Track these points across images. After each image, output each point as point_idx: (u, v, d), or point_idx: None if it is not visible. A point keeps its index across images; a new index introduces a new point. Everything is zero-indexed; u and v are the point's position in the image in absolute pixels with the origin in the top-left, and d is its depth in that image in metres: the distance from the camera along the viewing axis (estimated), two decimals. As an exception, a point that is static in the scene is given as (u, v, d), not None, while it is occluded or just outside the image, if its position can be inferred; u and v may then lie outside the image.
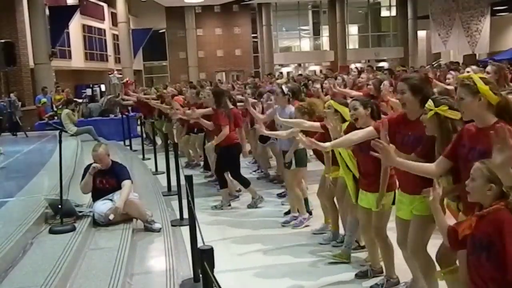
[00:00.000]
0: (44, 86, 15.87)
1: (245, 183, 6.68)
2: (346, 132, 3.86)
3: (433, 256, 3.30)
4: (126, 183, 5.19)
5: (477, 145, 2.67)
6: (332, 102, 4.50)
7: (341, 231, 4.97)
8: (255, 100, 7.94)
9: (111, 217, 4.94)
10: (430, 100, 3.07)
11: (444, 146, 2.90)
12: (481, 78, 2.72)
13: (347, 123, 4.14)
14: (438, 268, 3.23)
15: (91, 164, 5.35)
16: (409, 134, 3.31)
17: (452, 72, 7.01)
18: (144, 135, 12.28)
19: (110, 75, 19.20)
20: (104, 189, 5.24)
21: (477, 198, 2.40)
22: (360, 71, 10.79)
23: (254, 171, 8.71)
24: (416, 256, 3.38)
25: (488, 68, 5.45)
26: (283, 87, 5.96)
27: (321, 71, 27.30)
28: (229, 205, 6.66)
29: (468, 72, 5.78)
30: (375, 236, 3.91)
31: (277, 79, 13.10)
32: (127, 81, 18.16)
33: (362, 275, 4.19)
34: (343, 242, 4.71)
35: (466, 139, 2.75)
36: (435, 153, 2.99)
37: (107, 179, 5.27)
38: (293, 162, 5.53)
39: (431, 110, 2.99)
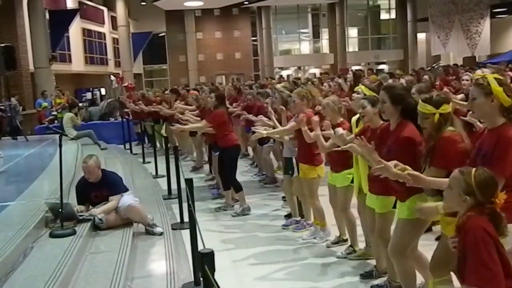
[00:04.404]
0: (44, 90, 15.88)
1: (237, 187, 6.54)
2: (358, 135, 3.79)
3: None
4: (113, 199, 5.13)
5: (482, 146, 2.67)
6: (362, 87, 4.44)
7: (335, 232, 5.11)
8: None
9: (101, 216, 4.97)
10: (424, 103, 3.04)
11: (435, 138, 2.91)
12: (495, 79, 2.67)
13: (359, 128, 4.16)
14: (420, 278, 3.24)
15: (82, 179, 5.30)
16: (389, 144, 3.31)
17: (469, 73, 6.75)
18: (146, 139, 12.27)
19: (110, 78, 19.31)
20: (100, 202, 5.19)
21: (451, 206, 2.39)
22: (355, 74, 10.63)
23: (255, 174, 8.70)
24: (394, 259, 3.40)
25: (486, 71, 5.45)
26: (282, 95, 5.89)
27: (320, 73, 27.33)
28: (232, 206, 6.65)
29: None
30: (378, 239, 3.92)
31: (279, 82, 13.04)
32: (128, 84, 18.21)
33: (367, 276, 4.20)
34: (338, 243, 4.99)
35: (477, 142, 2.76)
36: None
37: (101, 192, 5.21)
38: (295, 169, 5.40)
39: (433, 113, 2.97)
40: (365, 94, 4.24)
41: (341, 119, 4.65)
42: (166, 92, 12.19)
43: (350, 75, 9.81)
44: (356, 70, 11.59)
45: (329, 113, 4.62)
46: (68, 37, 20.31)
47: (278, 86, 8.84)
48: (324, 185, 5.10)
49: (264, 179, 8.23)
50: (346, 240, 4.94)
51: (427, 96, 3.12)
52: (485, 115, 2.67)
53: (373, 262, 4.35)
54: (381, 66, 32.20)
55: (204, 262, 2.47)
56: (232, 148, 6.54)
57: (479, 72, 6.07)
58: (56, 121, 13.25)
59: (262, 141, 7.65)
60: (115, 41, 26.20)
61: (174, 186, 6.59)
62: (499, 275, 2.10)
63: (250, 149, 9.86)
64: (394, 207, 3.74)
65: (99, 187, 5.21)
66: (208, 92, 7.28)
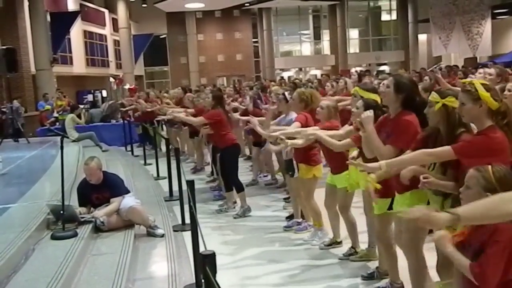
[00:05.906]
0: (45, 93, 15.91)
1: (239, 187, 6.54)
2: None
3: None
4: (115, 201, 5.14)
5: None
6: (357, 88, 4.33)
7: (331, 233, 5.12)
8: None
9: (102, 219, 4.97)
10: (434, 92, 3.09)
11: (449, 139, 2.88)
12: (482, 84, 2.74)
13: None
14: (436, 278, 3.23)
15: (83, 181, 5.30)
16: (387, 130, 3.37)
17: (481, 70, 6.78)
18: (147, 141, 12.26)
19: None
20: (101, 204, 5.20)
21: None
22: (360, 75, 10.69)
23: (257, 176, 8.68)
24: (409, 256, 3.38)
25: (491, 71, 5.45)
26: (286, 93, 5.81)
27: (321, 75, 27.37)
28: (234, 207, 6.64)
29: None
30: (376, 240, 3.93)
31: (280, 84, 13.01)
32: (132, 87, 18.25)
33: (369, 277, 4.19)
34: (331, 245, 4.98)
35: None
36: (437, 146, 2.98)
37: (102, 194, 5.22)
38: (296, 170, 5.36)
39: (437, 102, 2.97)
40: (361, 97, 4.22)
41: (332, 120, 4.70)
42: (165, 94, 12.21)
43: (354, 76, 9.84)
44: (360, 71, 11.65)
45: (325, 114, 4.63)
46: (69, 39, 20.32)
47: (273, 89, 8.86)
48: (322, 187, 5.07)
49: (253, 183, 8.10)
50: (339, 243, 4.95)
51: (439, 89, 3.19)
52: (474, 119, 2.76)
53: (375, 263, 4.35)
54: (382, 67, 32.20)
55: (205, 263, 2.47)
56: (232, 147, 6.54)
57: (480, 71, 6.07)
58: (57, 123, 13.27)
59: (260, 143, 7.64)
60: (116, 43, 26.23)
61: (175, 187, 6.58)
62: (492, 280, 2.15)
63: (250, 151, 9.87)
64: (390, 208, 3.75)
65: (100, 189, 5.21)
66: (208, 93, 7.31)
